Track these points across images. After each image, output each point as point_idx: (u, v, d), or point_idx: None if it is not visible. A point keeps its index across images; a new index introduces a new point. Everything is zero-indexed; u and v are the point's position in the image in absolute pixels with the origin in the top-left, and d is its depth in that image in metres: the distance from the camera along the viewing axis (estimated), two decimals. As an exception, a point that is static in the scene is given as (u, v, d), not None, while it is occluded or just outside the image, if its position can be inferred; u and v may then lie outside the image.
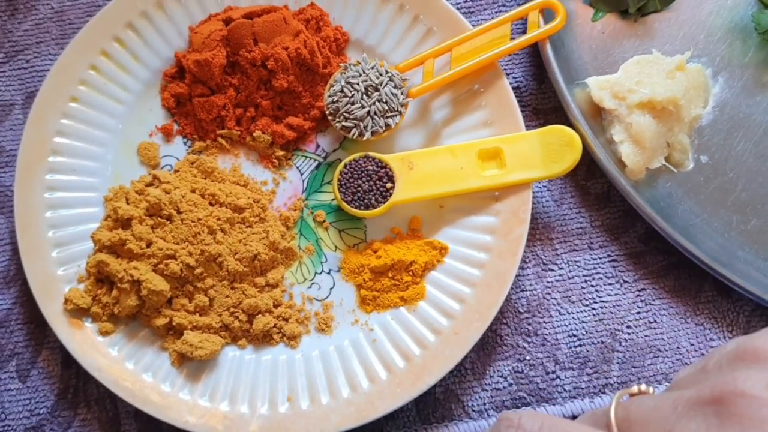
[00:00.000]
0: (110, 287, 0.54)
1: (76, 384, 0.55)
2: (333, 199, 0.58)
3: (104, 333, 0.54)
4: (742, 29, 0.62)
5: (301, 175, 0.59)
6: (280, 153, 0.58)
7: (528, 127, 0.59)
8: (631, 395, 0.33)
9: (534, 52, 0.61)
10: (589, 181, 0.59)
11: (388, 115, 0.56)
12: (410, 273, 0.56)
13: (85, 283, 0.54)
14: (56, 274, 0.54)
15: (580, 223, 0.59)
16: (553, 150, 0.55)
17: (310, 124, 0.58)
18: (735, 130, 0.60)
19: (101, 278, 0.54)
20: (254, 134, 0.58)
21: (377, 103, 0.55)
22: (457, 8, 0.62)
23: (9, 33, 0.61)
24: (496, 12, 0.62)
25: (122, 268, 0.52)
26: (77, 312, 0.53)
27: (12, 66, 0.60)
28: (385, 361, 0.54)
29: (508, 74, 0.61)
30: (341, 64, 0.57)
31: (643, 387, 0.34)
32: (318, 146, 0.59)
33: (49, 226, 0.55)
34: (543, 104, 0.61)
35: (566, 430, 0.29)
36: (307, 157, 0.59)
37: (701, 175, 0.59)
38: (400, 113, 0.56)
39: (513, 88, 0.59)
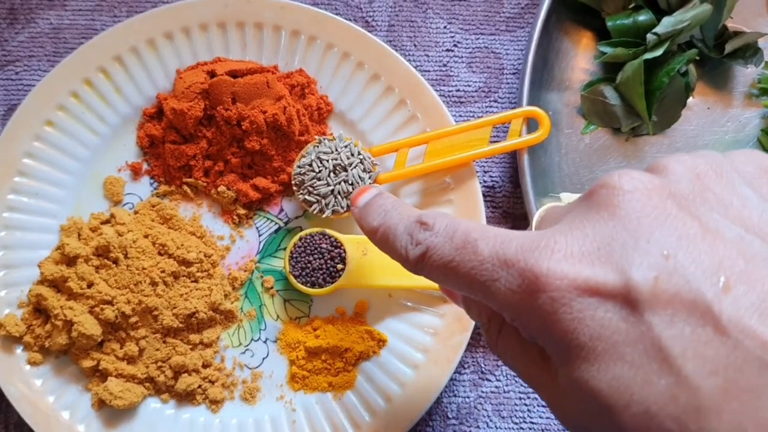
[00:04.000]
0: (46, 319, 0.54)
1: (0, 405, 0.56)
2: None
3: (32, 363, 0.54)
4: (734, 167, 0.60)
5: (260, 236, 0.59)
6: (242, 211, 0.58)
7: (494, 226, 0.58)
8: None
9: (515, 154, 0.60)
10: (545, 296, 0.58)
11: (351, 196, 0.55)
12: (343, 360, 0.55)
13: (24, 309, 0.55)
14: (-2, 295, 0.55)
15: (527, 337, 0.57)
16: (509, 264, 0.54)
17: (277, 188, 0.58)
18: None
19: (39, 308, 0.54)
20: (219, 188, 0.57)
21: (343, 184, 0.55)
22: (449, 96, 0.61)
23: (4, 42, 0.61)
24: (486, 106, 0.61)
25: (59, 305, 0.53)
26: (9, 338, 0.54)
27: (1, 75, 0.61)
28: (300, 444, 0.53)
29: (485, 172, 0.60)
30: (316, 137, 0.56)
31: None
32: (282, 210, 0.59)
33: (1, 246, 0.55)
34: (515, 209, 0.60)
35: (468, 227, 0.32)
36: (269, 219, 0.59)
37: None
38: (365, 197, 0.55)
39: (487, 188, 0.58)
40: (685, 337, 0.24)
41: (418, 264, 0.34)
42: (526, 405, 0.56)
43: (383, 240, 0.38)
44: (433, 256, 0.32)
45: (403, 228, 0.36)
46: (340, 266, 0.55)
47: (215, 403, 0.55)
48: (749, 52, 0.61)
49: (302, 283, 0.55)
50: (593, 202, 0.28)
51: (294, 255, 0.55)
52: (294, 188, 0.56)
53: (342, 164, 0.55)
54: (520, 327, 0.29)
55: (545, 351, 0.29)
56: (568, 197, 0.57)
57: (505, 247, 0.29)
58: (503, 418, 0.56)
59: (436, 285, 0.55)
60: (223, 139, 0.57)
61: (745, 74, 0.62)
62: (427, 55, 0.62)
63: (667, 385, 0.24)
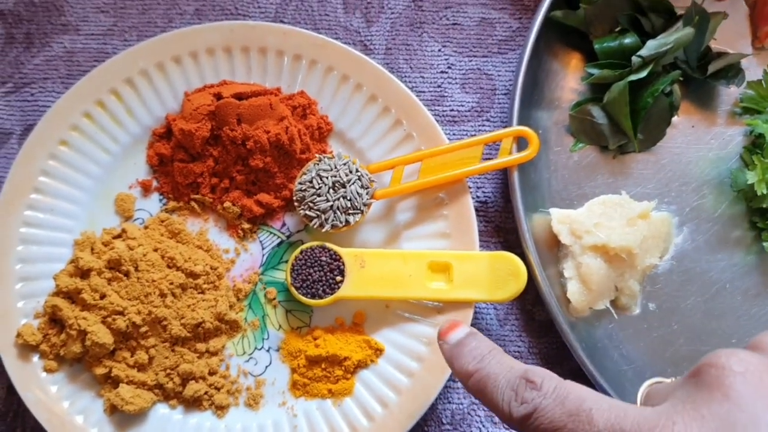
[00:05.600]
0: (61, 329, 0.57)
1: (17, 410, 0.59)
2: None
3: (48, 370, 0.57)
4: (718, 184, 0.63)
5: (263, 249, 0.61)
6: (246, 226, 0.61)
7: (486, 243, 0.61)
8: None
9: (506, 171, 0.63)
10: (536, 307, 0.61)
11: (350, 212, 0.58)
12: (342, 368, 0.58)
13: (41, 319, 0.58)
14: (15, 306, 0.58)
15: (519, 347, 0.60)
16: (499, 276, 0.57)
17: (280, 203, 0.61)
18: (689, 283, 0.61)
19: (55, 318, 0.57)
20: (225, 204, 0.60)
21: (341, 199, 0.58)
22: (443, 115, 0.64)
23: (21, 65, 0.65)
24: (479, 125, 0.64)
25: (73, 315, 0.56)
26: (27, 346, 0.57)
27: (18, 97, 0.64)
28: (301, 448, 0.56)
29: (478, 188, 0.63)
30: (316, 155, 0.59)
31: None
32: (284, 224, 0.62)
33: (18, 259, 0.59)
34: (506, 223, 0.62)
35: (581, 394, 0.32)
36: (271, 233, 0.62)
37: (646, 322, 0.60)
38: (362, 212, 0.58)
39: (480, 203, 0.61)
40: None
41: (523, 423, 0.34)
42: (517, 411, 0.59)
43: (479, 388, 0.37)
44: (540, 419, 0.32)
45: (505, 382, 0.36)
46: (339, 278, 0.58)
47: (221, 409, 0.58)
48: (732, 72, 0.63)
49: (303, 295, 0.58)
50: (703, 382, 0.29)
51: (295, 267, 0.58)
52: (295, 203, 0.59)
53: (341, 181, 0.58)
54: None
55: None
56: (557, 213, 0.60)
57: (621, 422, 0.30)
58: (495, 423, 0.59)
59: (431, 296, 0.57)
60: (229, 158, 0.60)
61: (728, 93, 0.65)
62: (423, 77, 0.65)
63: None
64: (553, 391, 0.33)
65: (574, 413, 0.32)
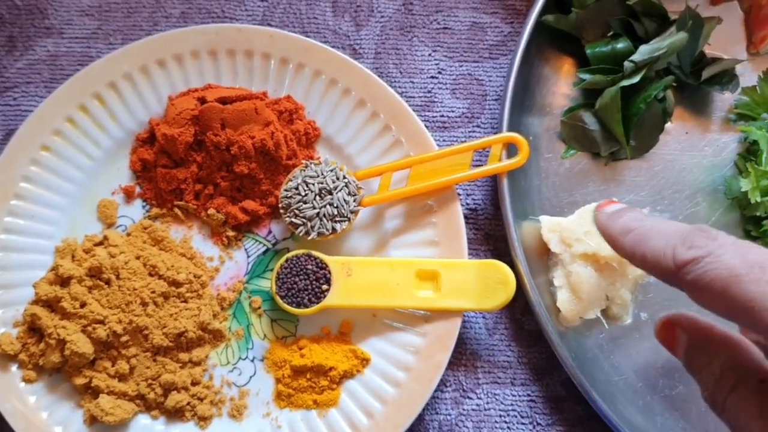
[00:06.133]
0: (40, 338, 0.56)
1: (-5, 420, 0.58)
2: (272, 288, 0.60)
3: (27, 380, 0.56)
4: (712, 191, 0.62)
5: (248, 257, 0.60)
6: (231, 233, 0.60)
7: (476, 251, 0.60)
8: None
9: (496, 177, 0.62)
10: (525, 316, 0.60)
11: (336, 219, 0.57)
12: (328, 378, 0.57)
13: (19, 328, 0.57)
14: (-6, 314, 0.57)
15: (508, 356, 0.59)
16: (488, 284, 0.56)
17: (265, 210, 0.60)
18: (681, 293, 0.60)
19: (34, 327, 0.56)
20: (209, 211, 0.59)
21: (328, 207, 0.57)
22: (433, 121, 0.63)
23: (3, 69, 0.64)
24: (469, 131, 0.63)
25: (53, 324, 0.55)
26: (5, 356, 0.56)
27: None
28: (285, 460, 0.55)
29: (468, 195, 0.62)
30: (303, 161, 0.58)
31: None
32: (270, 232, 0.61)
33: (-3, 266, 0.57)
34: (496, 231, 0.61)
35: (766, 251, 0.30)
36: (257, 240, 0.61)
37: (638, 332, 0.59)
38: (349, 220, 0.57)
39: (470, 210, 0.60)
40: None
41: (684, 267, 0.32)
42: (506, 422, 0.58)
43: (638, 239, 0.36)
44: (711, 265, 0.30)
45: (674, 232, 0.34)
46: (325, 287, 0.57)
47: (204, 420, 0.56)
48: (726, 78, 0.62)
49: (288, 304, 0.57)
50: None
51: (280, 276, 0.57)
52: (281, 211, 0.58)
53: (327, 188, 0.57)
54: None
55: None
56: (547, 220, 0.59)
57: None
58: (484, 435, 0.58)
59: (419, 305, 0.56)
60: (213, 164, 0.59)
61: (723, 99, 0.64)
62: (412, 82, 0.64)
63: None
64: (732, 243, 0.31)
65: (757, 265, 0.29)
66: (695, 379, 0.36)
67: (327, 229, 0.57)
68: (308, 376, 0.57)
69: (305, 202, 0.57)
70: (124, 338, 0.55)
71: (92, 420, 0.55)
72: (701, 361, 0.34)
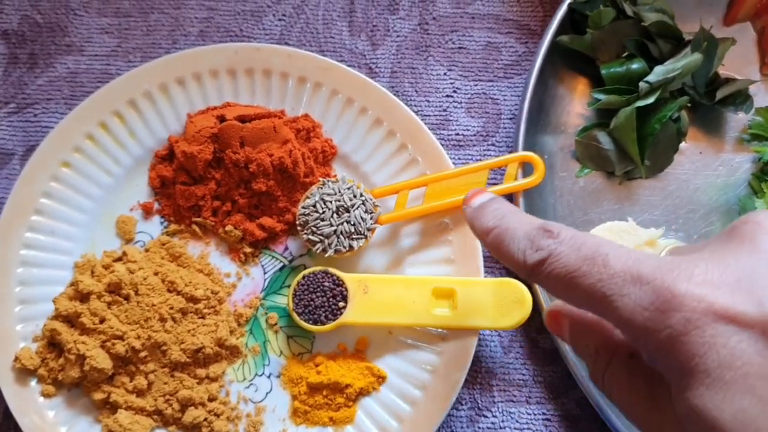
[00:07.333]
0: (60, 353, 0.56)
1: (13, 434, 0.58)
2: (289, 304, 0.60)
3: (46, 395, 0.56)
4: (726, 211, 0.62)
5: (264, 273, 0.61)
6: (248, 250, 0.60)
7: (491, 269, 0.60)
8: None
9: (511, 196, 0.62)
10: (541, 335, 0.60)
11: (353, 237, 0.57)
12: (344, 395, 0.57)
13: (39, 343, 0.57)
14: (14, 329, 0.57)
15: (523, 375, 0.59)
16: (504, 303, 0.56)
17: (282, 227, 0.60)
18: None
19: (53, 342, 0.57)
20: (227, 228, 0.60)
21: (345, 224, 0.57)
22: (448, 140, 0.63)
23: (24, 85, 0.64)
24: (484, 149, 0.64)
25: (72, 339, 0.55)
26: (25, 370, 0.56)
27: (20, 117, 0.64)
28: (301, 477, 0.55)
29: (483, 213, 0.62)
30: (320, 179, 0.59)
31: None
32: (287, 248, 0.61)
33: (18, 281, 0.58)
34: (511, 249, 0.61)
35: (598, 242, 0.32)
36: (274, 257, 0.61)
37: (652, 351, 0.59)
38: (366, 237, 0.58)
39: (484, 230, 0.61)
40: None
41: (535, 270, 0.34)
42: (521, 441, 0.58)
43: (497, 242, 0.38)
44: (554, 264, 0.32)
45: (522, 233, 0.36)
46: (341, 304, 0.57)
47: (220, 436, 0.57)
48: (740, 98, 0.63)
49: (305, 321, 0.57)
50: (735, 234, 0.29)
51: (297, 293, 0.57)
52: (298, 228, 0.58)
53: (345, 205, 0.57)
54: (641, 347, 0.29)
55: (656, 383, 0.29)
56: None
57: (639, 265, 0.30)
58: (499, 453, 0.58)
59: (435, 323, 0.57)
60: (231, 181, 0.59)
61: (736, 120, 0.64)
62: (428, 101, 0.65)
63: None
64: (570, 238, 0.33)
65: (590, 257, 0.31)
66: (583, 362, 0.38)
67: (344, 247, 0.57)
68: (324, 393, 0.57)
69: (323, 220, 0.57)
70: (143, 354, 0.56)
71: (110, 435, 0.56)
72: (582, 342, 0.36)
